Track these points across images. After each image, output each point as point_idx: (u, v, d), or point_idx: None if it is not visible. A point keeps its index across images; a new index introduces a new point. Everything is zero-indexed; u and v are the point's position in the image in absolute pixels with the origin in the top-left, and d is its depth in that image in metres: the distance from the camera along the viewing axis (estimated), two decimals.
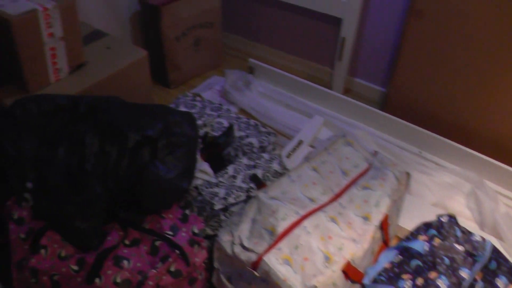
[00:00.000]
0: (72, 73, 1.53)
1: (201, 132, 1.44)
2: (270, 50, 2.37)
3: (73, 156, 1.21)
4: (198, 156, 1.29)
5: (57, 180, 1.19)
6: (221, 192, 1.24)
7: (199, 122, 1.47)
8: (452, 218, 1.21)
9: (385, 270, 1.10)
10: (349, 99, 1.81)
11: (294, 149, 1.61)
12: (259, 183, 1.27)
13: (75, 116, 1.31)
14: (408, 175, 1.31)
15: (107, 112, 1.30)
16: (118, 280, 1.01)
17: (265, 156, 1.36)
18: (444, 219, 1.20)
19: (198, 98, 1.60)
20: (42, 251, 1.06)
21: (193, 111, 1.53)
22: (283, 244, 1.03)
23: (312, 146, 1.66)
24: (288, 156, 1.57)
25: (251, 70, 2.02)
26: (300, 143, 1.63)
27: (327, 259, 1.02)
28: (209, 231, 1.22)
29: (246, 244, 1.05)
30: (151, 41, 2.07)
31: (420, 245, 1.14)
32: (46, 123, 1.30)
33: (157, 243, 1.09)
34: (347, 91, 2.16)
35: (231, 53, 2.39)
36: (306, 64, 2.27)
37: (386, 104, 1.96)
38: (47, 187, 1.18)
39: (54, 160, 1.22)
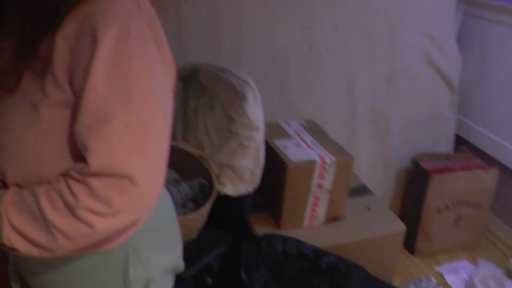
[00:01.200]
0: (326, 224, 1.56)
1: None
2: None
3: None
4: None
5: None
6: None
7: None
8: None
9: None
10: None
11: None
12: None
13: (314, 268, 1.35)
14: None
15: (346, 278, 1.31)
16: None
17: None
18: None
19: None
20: None
21: None
22: None
23: None
24: None
25: (509, 272, 1.81)
26: None
27: None
28: None
29: None
30: (409, 203, 2.05)
31: None
32: (284, 264, 1.37)
33: None
34: None
35: (490, 238, 2.19)
36: None
37: None
38: None
39: None
